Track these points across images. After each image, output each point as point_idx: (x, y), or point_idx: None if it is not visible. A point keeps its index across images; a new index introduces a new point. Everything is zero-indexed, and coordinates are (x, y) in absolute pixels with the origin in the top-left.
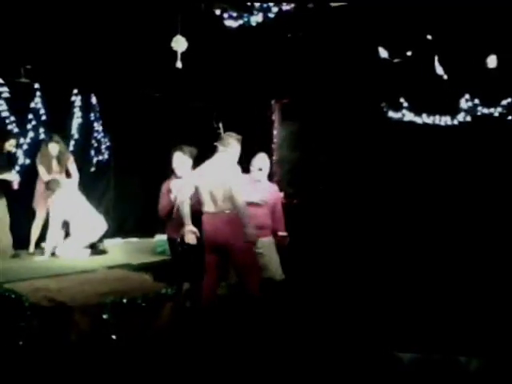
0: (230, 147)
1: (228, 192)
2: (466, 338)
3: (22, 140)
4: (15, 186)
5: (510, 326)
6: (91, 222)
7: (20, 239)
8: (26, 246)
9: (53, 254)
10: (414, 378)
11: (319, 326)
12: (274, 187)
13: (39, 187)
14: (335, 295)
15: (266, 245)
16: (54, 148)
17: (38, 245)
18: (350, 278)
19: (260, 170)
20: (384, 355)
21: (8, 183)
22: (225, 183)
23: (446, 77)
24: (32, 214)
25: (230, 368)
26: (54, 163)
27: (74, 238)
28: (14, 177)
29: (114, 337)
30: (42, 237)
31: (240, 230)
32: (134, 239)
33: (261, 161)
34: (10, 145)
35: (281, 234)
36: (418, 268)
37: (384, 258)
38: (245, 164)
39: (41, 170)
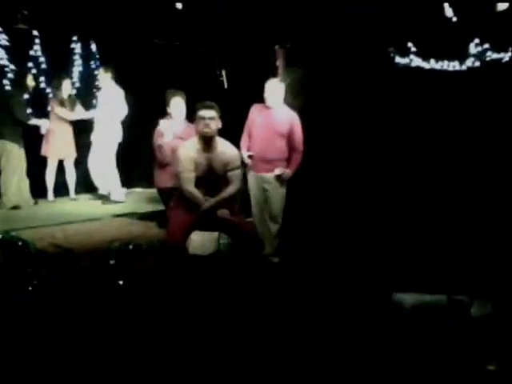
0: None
1: None
2: (467, 280)
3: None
4: (43, 131)
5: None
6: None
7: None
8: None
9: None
10: (415, 318)
11: (315, 273)
12: (291, 114)
13: (49, 134)
14: (330, 243)
15: (271, 181)
16: (67, 86)
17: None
18: (345, 225)
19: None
20: (383, 297)
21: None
22: None
23: (455, 19)
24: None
25: (231, 314)
26: (66, 103)
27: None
28: (41, 121)
29: (120, 282)
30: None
31: None
32: (139, 189)
33: (268, 86)
34: (30, 80)
35: (277, 171)
36: (417, 215)
37: (381, 207)
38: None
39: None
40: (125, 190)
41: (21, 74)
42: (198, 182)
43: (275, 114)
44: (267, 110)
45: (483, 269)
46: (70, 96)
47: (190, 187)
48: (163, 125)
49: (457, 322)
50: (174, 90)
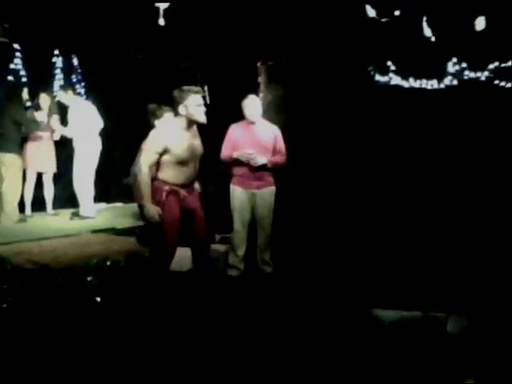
0: None
1: None
2: (443, 297)
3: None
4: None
5: (489, 286)
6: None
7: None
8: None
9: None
10: (394, 334)
11: (298, 285)
12: (273, 127)
13: (29, 146)
14: (315, 255)
15: (262, 196)
16: (45, 100)
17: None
18: (330, 240)
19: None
20: (364, 313)
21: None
22: None
23: (433, 39)
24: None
25: (213, 325)
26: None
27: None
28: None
29: (98, 299)
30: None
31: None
32: (119, 204)
33: (248, 102)
34: (25, 93)
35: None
36: (398, 228)
37: (360, 222)
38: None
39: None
40: (104, 204)
41: (17, 87)
42: (182, 162)
43: (259, 130)
44: (250, 125)
45: (459, 285)
46: (49, 109)
47: (148, 170)
48: None
49: (433, 337)
50: (159, 104)
